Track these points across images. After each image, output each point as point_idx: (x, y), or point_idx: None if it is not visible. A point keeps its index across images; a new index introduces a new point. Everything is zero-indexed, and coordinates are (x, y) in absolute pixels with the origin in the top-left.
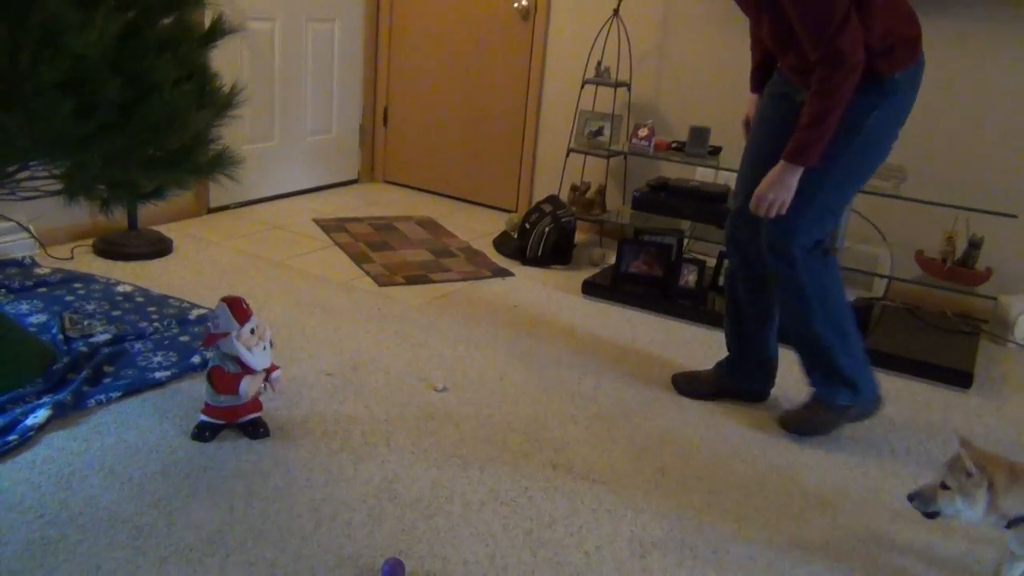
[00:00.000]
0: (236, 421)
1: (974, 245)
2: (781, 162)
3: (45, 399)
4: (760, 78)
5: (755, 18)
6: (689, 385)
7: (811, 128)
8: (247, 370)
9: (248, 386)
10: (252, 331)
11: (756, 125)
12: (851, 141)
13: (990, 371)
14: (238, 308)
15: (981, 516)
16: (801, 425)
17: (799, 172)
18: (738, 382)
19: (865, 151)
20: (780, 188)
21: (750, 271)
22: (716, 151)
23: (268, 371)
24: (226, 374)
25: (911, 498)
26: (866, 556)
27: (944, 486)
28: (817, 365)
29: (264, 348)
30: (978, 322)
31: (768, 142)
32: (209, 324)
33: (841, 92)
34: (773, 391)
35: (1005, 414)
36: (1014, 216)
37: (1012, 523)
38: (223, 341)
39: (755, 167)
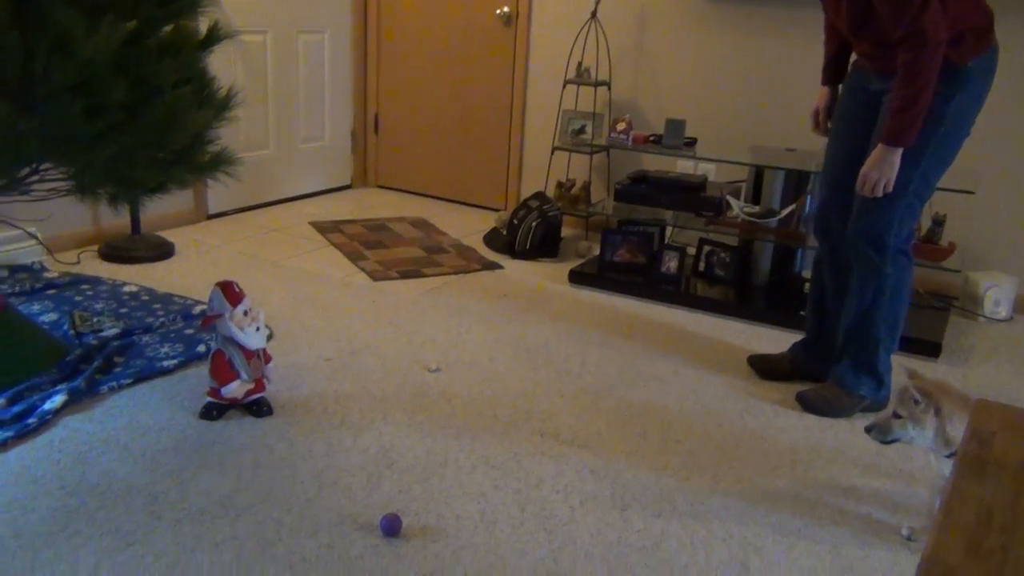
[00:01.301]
0: (241, 402)
1: (937, 223)
2: (881, 145)
3: (60, 386)
4: (833, 72)
5: (834, 5)
6: (765, 366)
7: (905, 111)
8: (247, 352)
9: (236, 389)
10: (245, 312)
11: (837, 120)
12: (935, 132)
13: (959, 342)
14: (230, 291)
15: (931, 440)
16: (820, 404)
17: (899, 152)
18: (814, 361)
19: (948, 140)
20: (884, 167)
21: (836, 258)
22: (692, 142)
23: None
24: (223, 364)
25: (868, 429)
26: (834, 505)
27: (896, 415)
28: (856, 354)
29: (257, 329)
30: (949, 299)
31: (848, 136)
32: (206, 308)
33: (928, 72)
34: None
35: (970, 380)
36: (972, 192)
37: (953, 454)
38: (219, 323)
39: (837, 160)
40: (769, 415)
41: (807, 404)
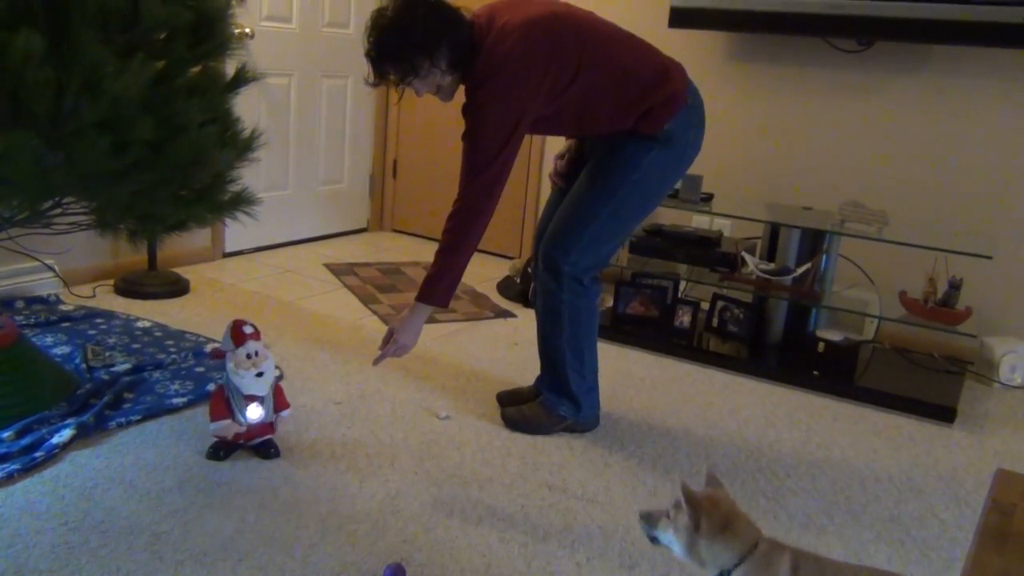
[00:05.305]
0: (248, 443)
1: (954, 286)
2: (415, 303)
3: (69, 420)
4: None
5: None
6: (512, 400)
7: (438, 276)
8: (248, 396)
9: (224, 428)
10: (248, 356)
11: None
12: (626, 177)
13: (974, 408)
14: (238, 330)
15: (682, 554)
16: (520, 423)
17: (429, 311)
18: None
19: (641, 188)
20: (409, 328)
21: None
22: (708, 198)
23: (276, 408)
24: (219, 400)
25: (641, 516)
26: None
27: (668, 515)
28: (551, 375)
29: (257, 376)
30: (964, 363)
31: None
32: (221, 343)
33: (468, 240)
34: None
35: (986, 447)
36: (989, 257)
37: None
38: (226, 360)
39: (552, 199)
40: (781, 476)
41: (509, 422)
